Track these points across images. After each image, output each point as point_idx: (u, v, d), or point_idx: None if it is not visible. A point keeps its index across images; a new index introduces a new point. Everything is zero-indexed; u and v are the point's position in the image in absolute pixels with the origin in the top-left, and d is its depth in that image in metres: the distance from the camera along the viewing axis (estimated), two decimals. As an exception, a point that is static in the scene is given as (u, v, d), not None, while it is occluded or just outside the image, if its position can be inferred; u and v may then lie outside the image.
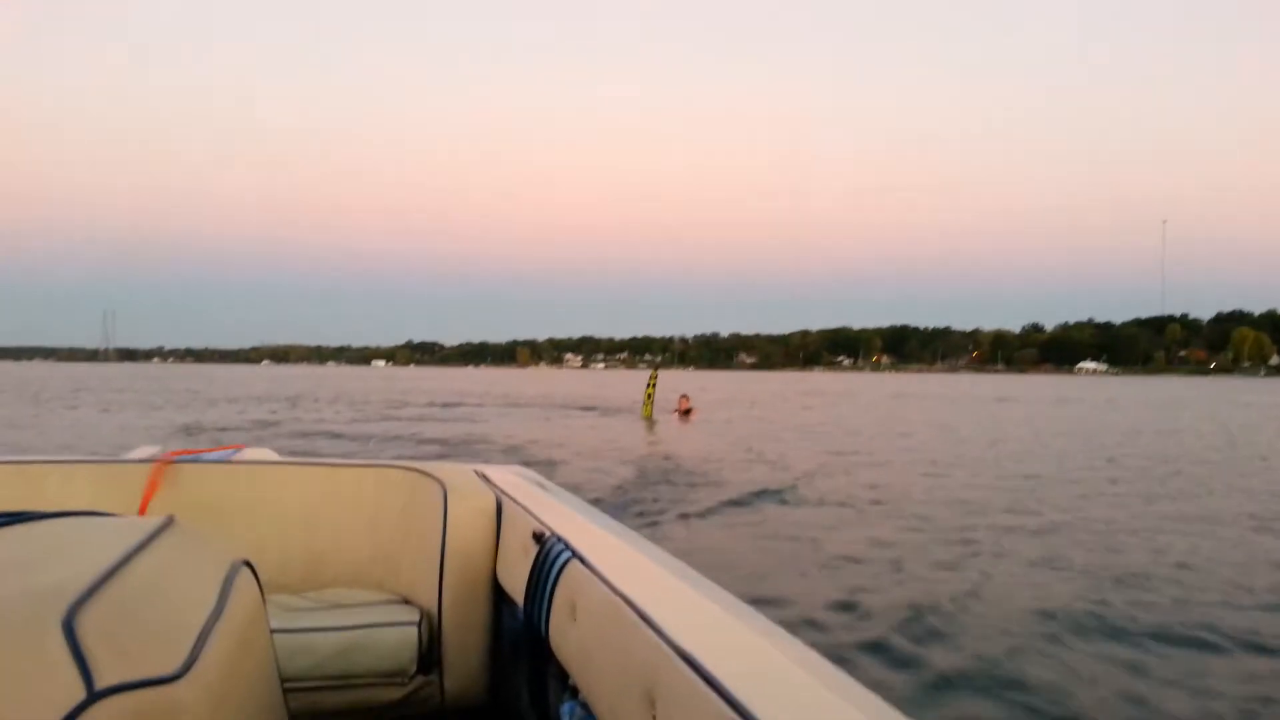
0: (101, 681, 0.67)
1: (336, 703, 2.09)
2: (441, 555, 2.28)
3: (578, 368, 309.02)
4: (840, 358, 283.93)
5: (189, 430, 20.18)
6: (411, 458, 2.48)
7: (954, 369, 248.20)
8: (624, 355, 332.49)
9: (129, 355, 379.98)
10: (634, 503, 9.88)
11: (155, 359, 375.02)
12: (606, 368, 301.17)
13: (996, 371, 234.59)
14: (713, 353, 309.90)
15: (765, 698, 0.94)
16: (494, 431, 20.71)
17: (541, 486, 2.56)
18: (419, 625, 2.19)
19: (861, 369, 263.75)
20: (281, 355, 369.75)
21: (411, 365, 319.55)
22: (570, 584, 1.62)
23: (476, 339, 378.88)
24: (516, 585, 1.99)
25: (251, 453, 3.00)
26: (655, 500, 10.06)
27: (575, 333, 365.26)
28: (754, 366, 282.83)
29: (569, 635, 1.56)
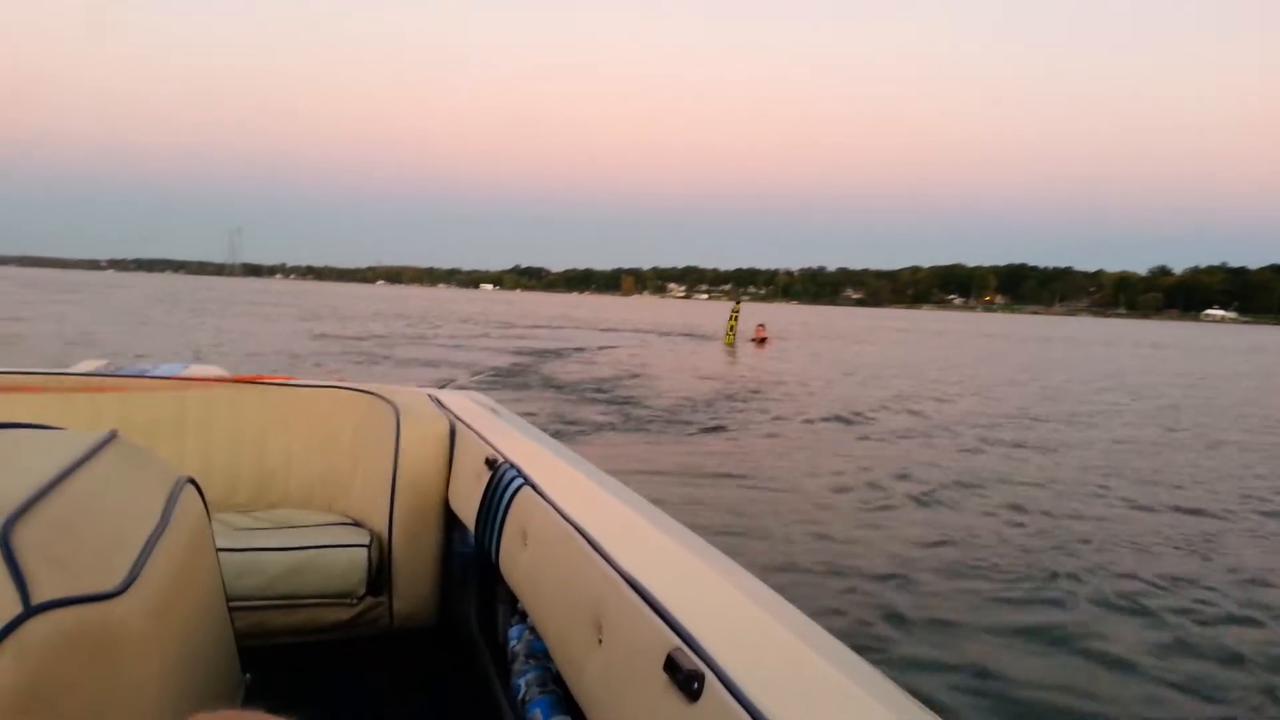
0: (38, 596, 0.66)
1: (284, 622, 2.09)
2: (393, 478, 2.27)
3: (680, 297, 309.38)
4: (951, 296, 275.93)
5: (328, 338, 21.88)
6: (364, 379, 2.39)
7: (1073, 311, 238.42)
8: (728, 287, 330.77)
9: (254, 271, 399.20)
10: (689, 408, 11.02)
11: (278, 275, 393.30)
12: (710, 299, 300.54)
13: (1117, 316, 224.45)
14: (818, 287, 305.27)
15: (709, 625, 0.96)
16: (591, 345, 23.20)
17: (495, 412, 2.54)
18: (369, 547, 2.19)
19: (973, 308, 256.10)
20: (395, 276, 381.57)
21: (518, 290, 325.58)
22: (521, 510, 1.62)
23: (582, 265, 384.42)
24: (468, 510, 1.99)
25: (200, 369, 2.95)
26: (709, 407, 11.19)
27: (680, 262, 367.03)
28: (860, 302, 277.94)
29: (519, 560, 1.57)
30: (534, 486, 1.62)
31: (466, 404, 2.59)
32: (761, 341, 25.24)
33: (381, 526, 2.27)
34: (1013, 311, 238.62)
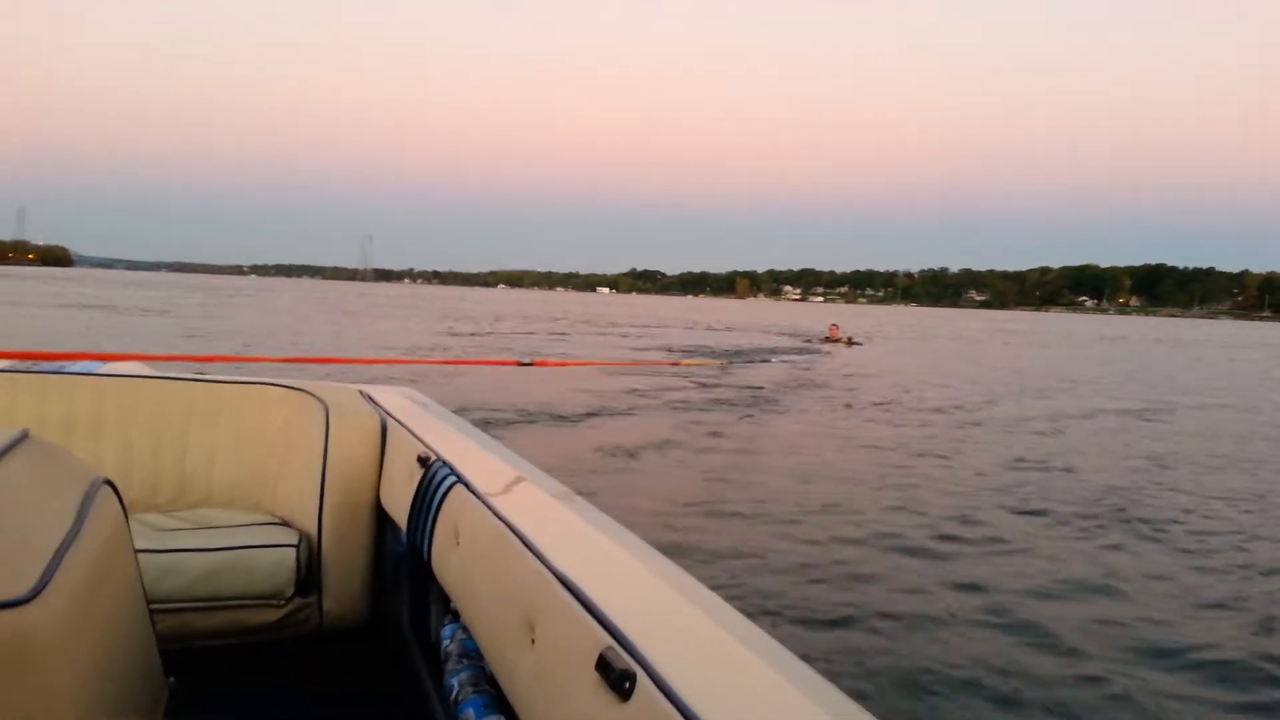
0: None
1: (209, 624, 2.04)
2: (322, 476, 2.23)
3: (795, 300, 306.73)
4: (1082, 298, 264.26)
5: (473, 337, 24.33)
6: (293, 377, 2.45)
7: (1212, 314, 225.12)
8: (844, 289, 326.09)
9: (384, 275, 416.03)
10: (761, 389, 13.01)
11: (406, 279, 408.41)
12: (825, 301, 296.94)
13: (1261, 319, 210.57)
14: (939, 289, 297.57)
15: (643, 624, 0.95)
16: (697, 342, 25.89)
17: (428, 409, 2.49)
18: (297, 547, 2.15)
19: (1105, 310, 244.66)
20: (515, 280, 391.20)
21: (633, 293, 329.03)
22: (454, 508, 1.61)
23: (697, 268, 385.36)
24: (400, 508, 1.97)
25: (121, 365, 2.88)
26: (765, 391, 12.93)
27: (795, 264, 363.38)
28: (984, 305, 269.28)
29: (451, 560, 1.57)
30: (466, 484, 1.61)
31: (398, 400, 2.55)
32: (835, 340, 26.58)
33: (310, 526, 2.23)
34: (1148, 314, 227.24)
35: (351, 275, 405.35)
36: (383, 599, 2.32)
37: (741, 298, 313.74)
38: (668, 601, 1.06)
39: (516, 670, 1.16)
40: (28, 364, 2.72)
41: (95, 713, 0.88)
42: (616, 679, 0.87)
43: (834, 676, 0.88)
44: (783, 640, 0.96)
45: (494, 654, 1.28)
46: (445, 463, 1.78)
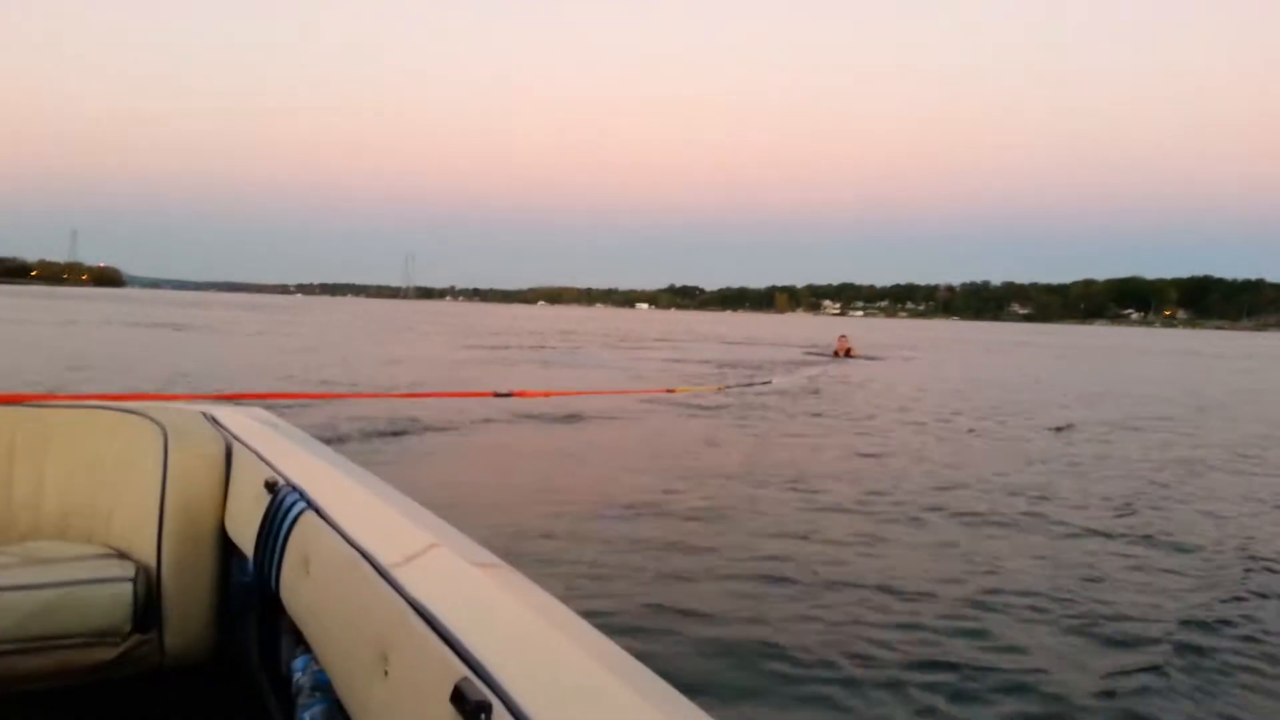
0: None
1: (40, 665, 1.94)
2: (161, 504, 2.14)
3: (835, 315, 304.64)
4: (1128, 311, 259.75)
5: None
6: (130, 397, 2.35)
7: (1261, 326, 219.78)
8: (884, 303, 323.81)
9: (426, 293, 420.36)
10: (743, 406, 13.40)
11: (447, 297, 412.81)
12: (865, 315, 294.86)
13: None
14: (980, 302, 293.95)
15: (500, 652, 0.94)
16: (713, 356, 26.12)
17: (278, 429, 2.38)
18: (134, 580, 2.05)
19: (1151, 324, 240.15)
20: (554, 296, 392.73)
21: (672, 309, 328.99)
22: (303, 536, 1.56)
23: (736, 284, 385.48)
24: (246, 537, 1.89)
25: None
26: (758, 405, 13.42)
27: (835, 278, 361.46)
28: (1027, 318, 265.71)
29: (301, 589, 1.52)
30: (317, 510, 1.57)
31: (246, 421, 2.43)
32: (847, 353, 26.99)
33: (149, 557, 2.14)
34: (1195, 327, 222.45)
35: (394, 293, 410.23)
36: (230, 632, 2.23)
37: (780, 313, 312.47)
38: (528, 627, 1.03)
39: (369, 704, 1.13)
40: None
41: None
42: (471, 711, 0.85)
43: (706, 703, 0.87)
44: (655, 666, 0.95)
45: (345, 687, 1.25)
46: (294, 487, 1.73)
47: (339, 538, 1.41)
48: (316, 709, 1.46)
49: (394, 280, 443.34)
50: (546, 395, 12.31)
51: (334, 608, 1.35)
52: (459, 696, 0.88)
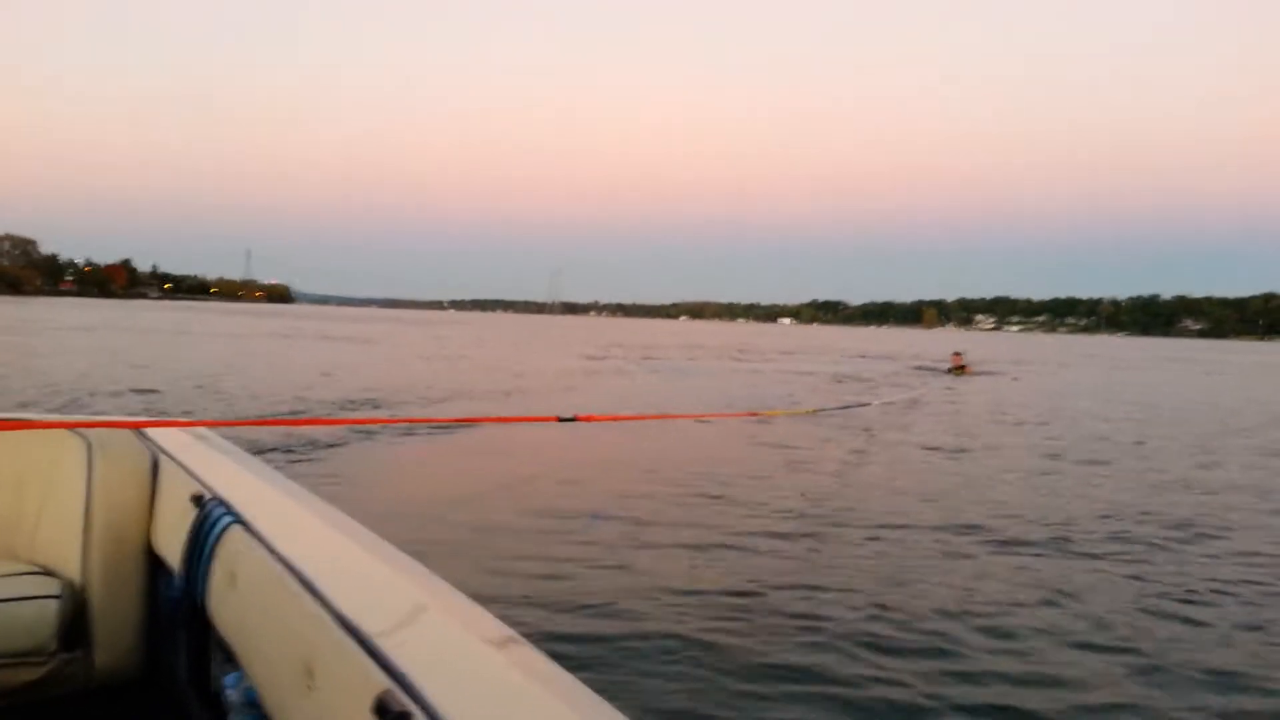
0: None
1: None
2: (86, 520, 2.12)
3: (989, 330, 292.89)
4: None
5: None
6: (56, 411, 2.24)
7: None
8: (1042, 318, 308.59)
9: (571, 308, 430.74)
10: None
11: (591, 312, 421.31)
12: (1022, 330, 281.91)
13: None
14: (1148, 317, 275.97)
15: (423, 663, 0.94)
16: (826, 369, 25.87)
17: (207, 443, 2.33)
18: (60, 597, 2.02)
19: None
20: (696, 312, 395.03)
21: (814, 324, 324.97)
22: (230, 550, 1.55)
23: (881, 298, 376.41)
24: (173, 552, 1.88)
25: None
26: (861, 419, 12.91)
27: (989, 292, 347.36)
28: (1200, 334, 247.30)
29: (229, 604, 1.51)
30: (244, 524, 1.56)
31: (174, 436, 2.40)
32: (960, 369, 25.97)
33: (74, 573, 2.11)
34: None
35: (540, 308, 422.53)
36: (159, 649, 2.17)
37: (928, 328, 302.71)
38: (452, 637, 1.01)
39: (295, 718, 1.14)
40: None
41: None
42: None
43: (635, 712, 0.91)
44: (575, 670, 0.95)
45: (273, 702, 1.25)
46: (221, 501, 1.72)
47: (265, 551, 1.41)
48: None
49: (540, 296, 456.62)
50: (615, 419, 11.09)
51: (261, 622, 1.34)
52: (381, 708, 0.88)
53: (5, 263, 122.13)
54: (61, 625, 2.01)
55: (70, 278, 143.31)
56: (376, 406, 13.10)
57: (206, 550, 1.65)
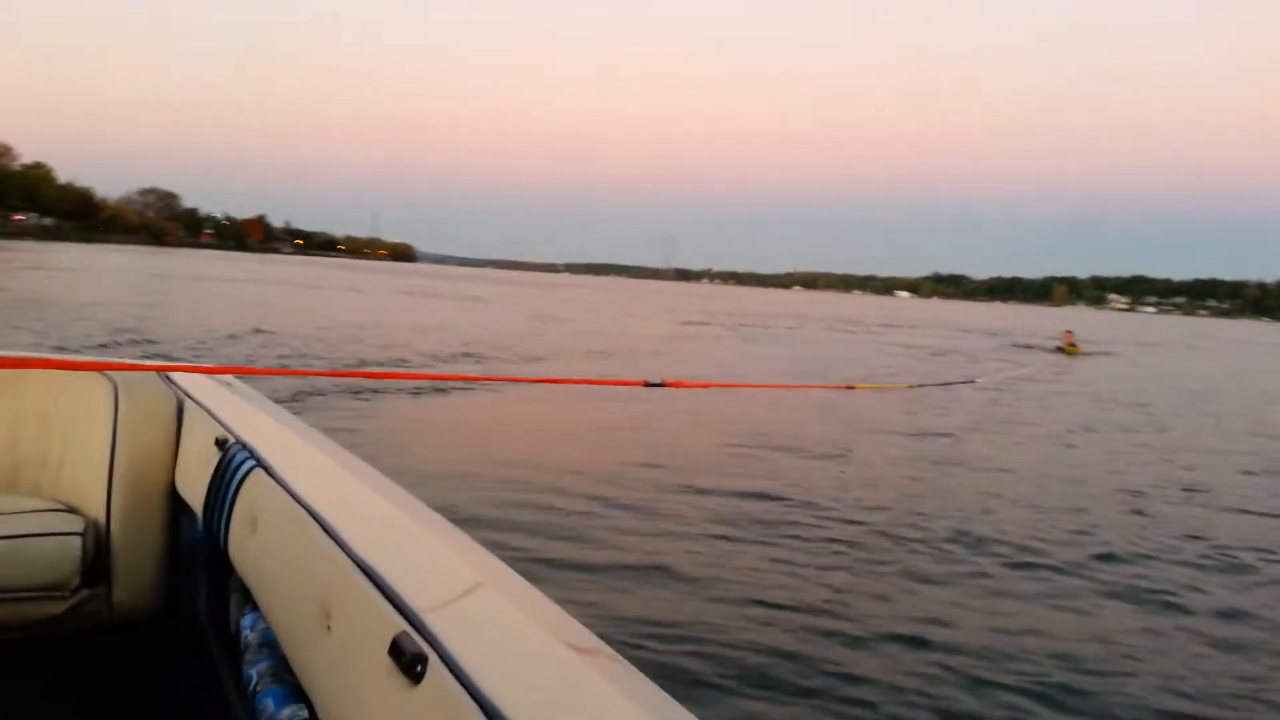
0: None
1: None
2: (111, 460, 2.15)
3: (1122, 309, 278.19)
4: None
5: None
6: (83, 351, 2.20)
7: None
8: (1181, 299, 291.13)
9: (684, 275, 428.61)
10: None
11: (704, 279, 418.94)
12: (1159, 312, 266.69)
13: None
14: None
15: (438, 607, 0.96)
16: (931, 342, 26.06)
17: (230, 388, 2.37)
18: (83, 535, 2.05)
19: None
20: (811, 282, 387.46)
21: (934, 298, 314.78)
22: (252, 494, 1.58)
23: (1008, 272, 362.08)
24: (196, 494, 1.91)
25: None
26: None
27: (1125, 269, 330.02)
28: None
29: (249, 546, 1.54)
30: (266, 468, 1.58)
31: (199, 381, 2.43)
32: (1072, 347, 25.26)
33: (98, 512, 2.15)
34: None
35: (653, 274, 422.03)
36: (179, 589, 2.24)
37: (1057, 305, 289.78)
38: (466, 583, 1.04)
39: (312, 658, 1.16)
40: None
41: None
42: (408, 663, 0.88)
43: (637, 659, 0.88)
44: (584, 619, 0.97)
45: (290, 642, 1.28)
46: (245, 445, 1.74)
47: (286, 495, 1.44)
48: (263, 665, 1.46)
49: (653, 262, 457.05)
50: (705, 386, 10.22)
51: (280, 564, 1.37)
52: (396, 649, 0.91)
53: (150, 214, 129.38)
54: (84, 562, 2.05)
55: (209, 231, 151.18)
56: (477, 361, 13.84)
57: (229, 493, 1.68)
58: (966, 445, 9.18)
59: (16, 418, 2.34)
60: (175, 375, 2.46)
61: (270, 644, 1.49)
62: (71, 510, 2.17)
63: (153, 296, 22.92)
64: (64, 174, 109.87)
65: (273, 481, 1.52)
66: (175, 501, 2.19)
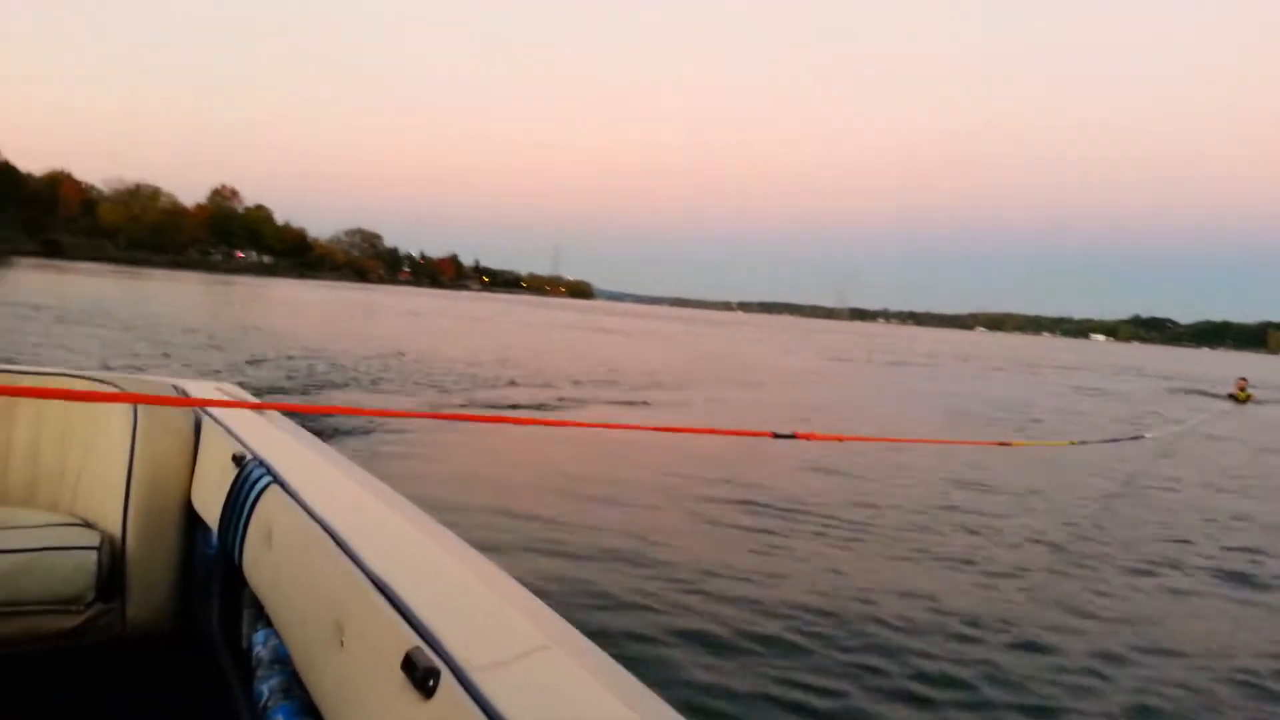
0: None
1: (1, 630, 1.95)
2: (128, 475, 2.16)
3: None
4: None
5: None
6: (102, 368, 2.39)
7: None
8: None
9: (859, 314, 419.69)
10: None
11: (880, 319, 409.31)
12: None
13: None
14: None
15: (450, 623, 0.97)
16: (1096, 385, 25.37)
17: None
18: (99, 549, 2.07)
19: None
20: (997, 323, 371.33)
21: (1134, 342, 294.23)
22: (267, 509, 1.58)
23: (1217, 316, 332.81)
24: (212, 510, 1.92)
25: None
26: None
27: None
28: None
29: (263, 562, 1.54)
30: (282, 484, 1.58)
31: (216, 396, 2.46)
32: (1244, 397, 24.14)
33: (114, 527, 2.16)
34: None
35: (828, 313, 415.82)
36: (192, 604, 2.24)
37: (1274, 353, 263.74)
38: (478, 599, 1.05)
39: (324, 674, 1.17)
40: None
41: None
42: (420, 678, 0.88)
43: (645, 675, 0.87)
44: (601, 639, 0.96)
45: (303, 658, 1.27)
46: (261, 461, 1.74)
47: (301, 511, 1.44)
48: (274, 681, 1.47)
49: (829, 301, 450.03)
50: (839, 439, 6.60)
51: (294, 580, 1.38)
52: (409, 664, 0.92)
53: (355, 254, 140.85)
54: (99, 576, 2.06)
55: (407, 269, 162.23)
56: (616, 386, 14.47)
57: (244, 509, 1.69)
58: (1122, 520, 7.45)
59: (37, 432, 2.38)
60: (191, 389, 2.55)
61: (282, 660, 1.53)
62: (88, 525, 2.20)
63: (350, 324, 25.29)
64: (280, 216, 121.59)
65: (289, 498, 1.53)
66: (191, 517, 2.22)
